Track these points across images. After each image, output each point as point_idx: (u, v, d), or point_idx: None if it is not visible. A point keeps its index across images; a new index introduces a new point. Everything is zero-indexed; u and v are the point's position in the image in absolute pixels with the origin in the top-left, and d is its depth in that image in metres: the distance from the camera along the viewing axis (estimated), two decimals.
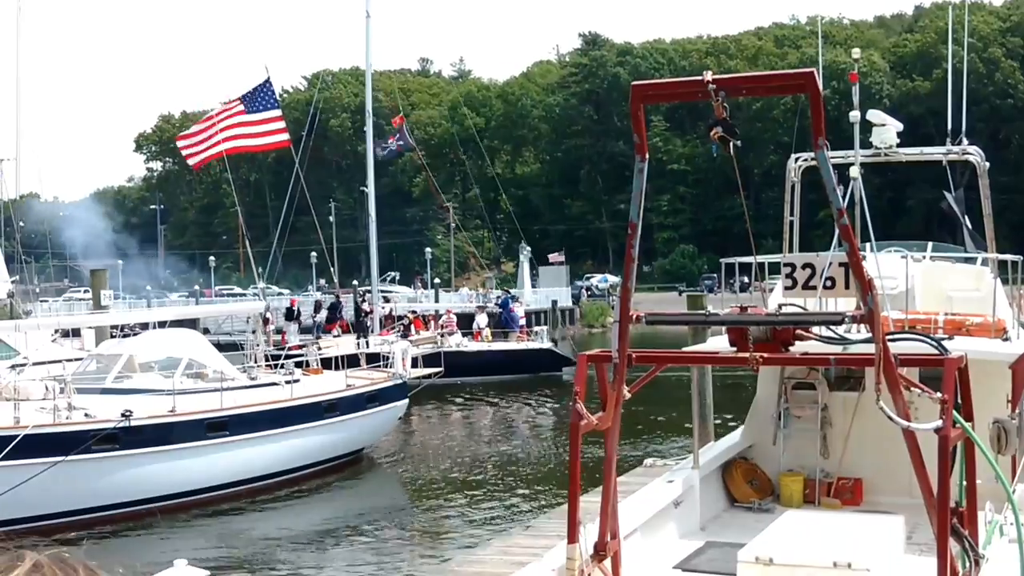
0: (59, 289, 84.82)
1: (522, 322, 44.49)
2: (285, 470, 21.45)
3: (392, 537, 18.00)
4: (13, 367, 21.19)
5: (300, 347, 30.89)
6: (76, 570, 0.96)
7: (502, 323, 43.21)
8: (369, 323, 38.98)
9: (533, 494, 20.79)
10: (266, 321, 35.73)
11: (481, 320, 40.63)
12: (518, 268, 77.49)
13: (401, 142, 43.41)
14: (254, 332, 26.13)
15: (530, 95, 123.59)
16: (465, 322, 42.89)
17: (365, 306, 39.75)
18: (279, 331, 41.77)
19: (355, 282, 69.36)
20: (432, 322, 41.89)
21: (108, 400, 18.84)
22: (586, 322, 70.03)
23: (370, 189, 36.84)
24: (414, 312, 43.51)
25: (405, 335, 36.88)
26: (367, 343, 34.23)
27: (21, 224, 25.66)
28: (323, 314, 43.35)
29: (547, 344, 41.72)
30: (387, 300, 42.98)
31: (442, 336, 37.11)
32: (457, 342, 36.22)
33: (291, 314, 42.43)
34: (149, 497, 18.70)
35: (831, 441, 11.70)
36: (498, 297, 48.63)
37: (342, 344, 33.71)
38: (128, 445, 18.43)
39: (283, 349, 27.05)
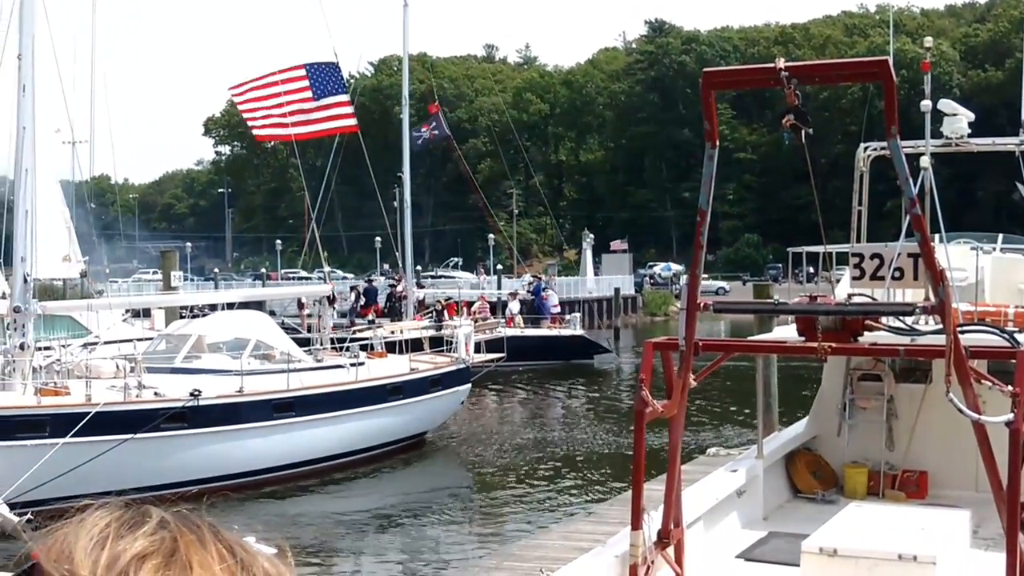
0: (128, 270, 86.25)
1: (555, 310, 44.64)
2: (349, 452, 21.68)
3: (454, 520, 18.15)
4: (85, 345, 21.64)
5: (364, 330, 31.14)
6: (200, 527, 1.02)
7: (535, 310, 43.39)
8: (403, 309, 39.09)
9: (595, 480, 20.83)
10: (332, 301, 36.04)
11: (514, 307, 40.66)
12: (580, 255, 77.36)
13: (436, 131, 43.26)
14: (320, 316, 26.37)
15: (595, 82, 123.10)
16: (498, 309, 42.97)
17: (399, 290, 39.86)
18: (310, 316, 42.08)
19: (387, 266, 69.73)
20: (465, 308, 42.00)
21: (177, 379, 19.17)
22: (648, 311, 69.72)
23: (406, 175, 36.83)
24: (449, 298, 43.60)
25: (438, 320, 37.06)
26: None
27: (93, 206, 26.14)
28: (358, 299, 43.61)
29: (579, 331, 42.06)
30: (420, 286, 42.96)
31: (476, 323, 37.14)
32: (491, 328, 36.21)
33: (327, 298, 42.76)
34: (216, 476, 19.00)
35: (896, 433, 11.59)
36: (530, 283, 48.57)
37: (407, 328, 33.95)
38: (196, 424, 18.74)
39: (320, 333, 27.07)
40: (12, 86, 19.57)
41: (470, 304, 42.52)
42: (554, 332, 39.35)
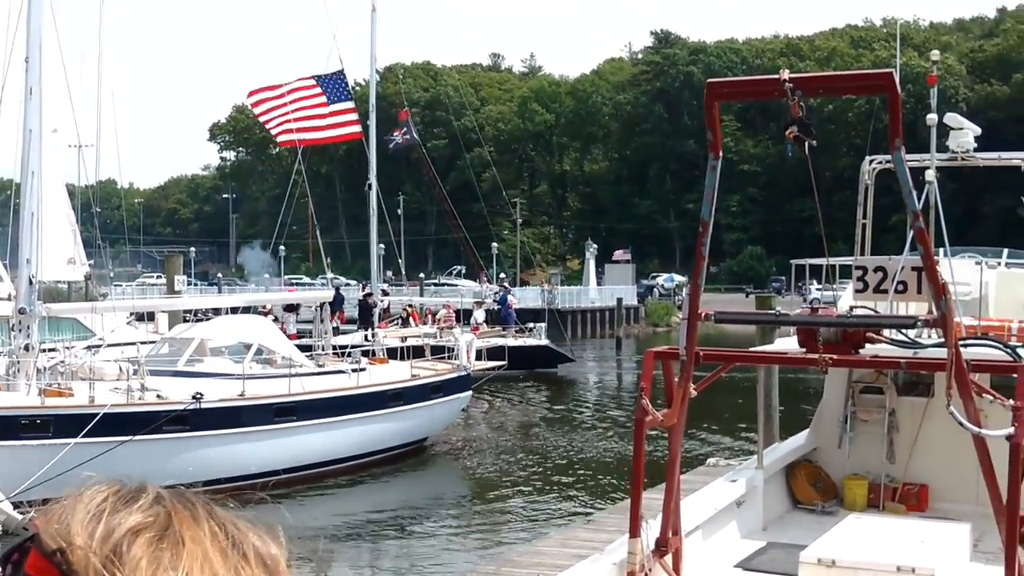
0: (132, 274, 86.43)
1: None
2: (349, 457, 21.71)
3: (452, 527, 18.17)
4: (89, 348, 21.70)
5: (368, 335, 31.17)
6: (194, 505, 1.05)
7: (500, 319, 43.57)
8: (371, 317, 39.11)
9: (594, 488, 20.84)
10: (295, 308, 36.16)
11: (479, 315, 40.78)
12: (584, 265, 77.44)
13: (408, 135, 43.55)
14: (321, 321, 26.42)
15: (600, 92, 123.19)
16: (463, 317, 43.09)
17: (372, 299, 39.91)
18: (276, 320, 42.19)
19: (390, 273, 69.56)
20: (430, 316, 42.02)
21: (180, 382, 19.23)
22: (651, 321, 69.72)
23: (373, 183, 36.89)
24: (411, 306, 43.63)
25: (403, 327, 37.10)
26: (373, 335, 34.40)
27: (98, 210, 26.22)
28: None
29: (544, 341, 42.53)
30: (385, 294, 42.94)
31: (441, 331, 37.10)
32: (457, 337, 36.26)
33: (290, 306, 42.74)
34: (216, 478, 19.02)
35: (897, 446, 11.60)
36: (496, 292, 48.72)
37: (409, 334, 33.98)
38: (198, 427, 18.79)
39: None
40: (19, 89, 19.64)
41: (434, 312, 42.60)
42: (520, 342, 39.51)
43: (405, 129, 43.69)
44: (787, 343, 10.06)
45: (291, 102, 30.12)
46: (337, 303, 43.00)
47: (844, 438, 11.78)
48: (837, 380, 11.82)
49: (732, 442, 24.29)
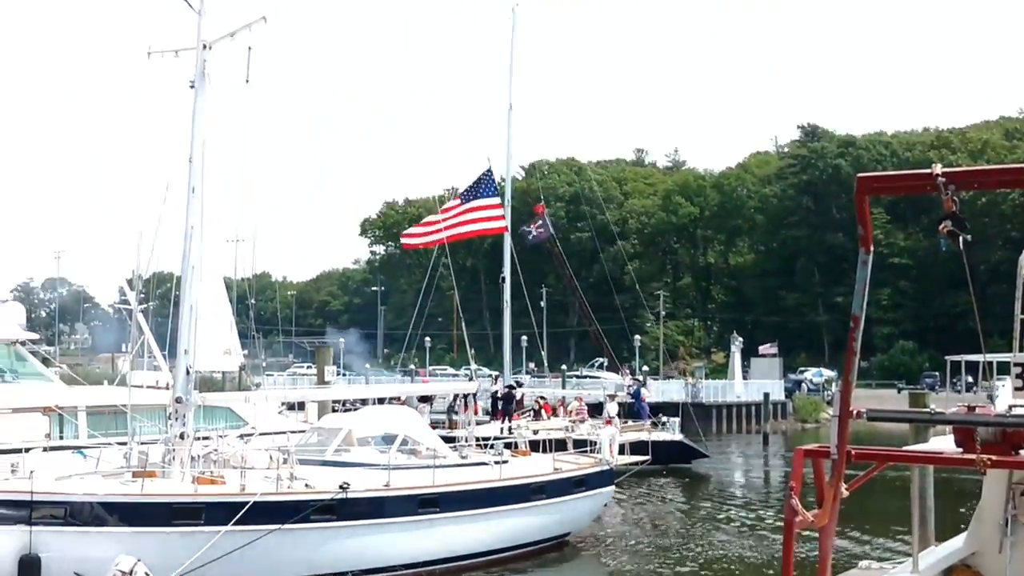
0: (283, 364, 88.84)
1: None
2: (491, 551, 21.63)
3: None
4: (242, 436, 22.31)
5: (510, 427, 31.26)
6: None
7: (633, 412, 43.00)
8: (502, 406, 39.04)
9: None
10: (428, 400, 36.47)
11: (611, 408, 40.40)
12: (729, 358, 76.25)
13: (543, 229, 44.16)
14: (455, 412, 26.58)
15: (746, 185, 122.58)
16: (596, 410, 42.66)
17: (514, 392, 39.89)
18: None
19: (532, 365, 69.44)
20: (561, 408, 41.74)
21: (327, 472, 19.57)
22: (799, 416, 68.05)
23: (507, 277, 37.22)
24: (543, 398, 43.42)
25: (535, 420, 36.93)
26: (509, 428, 34.37)
27: (253, 302, 27.16)
28: (455, 399, 43.93)
29: (678, 436, 42.06)
30: (519, 384, 42.87)
31: (573, 424, 36.75)
32: (588, 430, 35.80)
33: (425, 397, 43.08)
34: (361, 569, 19.20)
35: None
36: (630, 386, 48.12)
37: (553, 427, 33.93)
38: (344, 516, 19.03)
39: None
40: (182, 187, 20.62)
41: (566, 405, 42.41)
42: (654, 436, 39.02)
43: (541, 222, 44.49)
44: (942, 442, 9.71)
45: (443, 220, 31.50)
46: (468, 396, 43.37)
47: (1005, 542, 11.23)
48: (996, 481, 11.31)
49: (885, 544, 23.36)
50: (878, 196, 6.97)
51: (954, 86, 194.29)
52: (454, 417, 39.37)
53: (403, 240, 33.38)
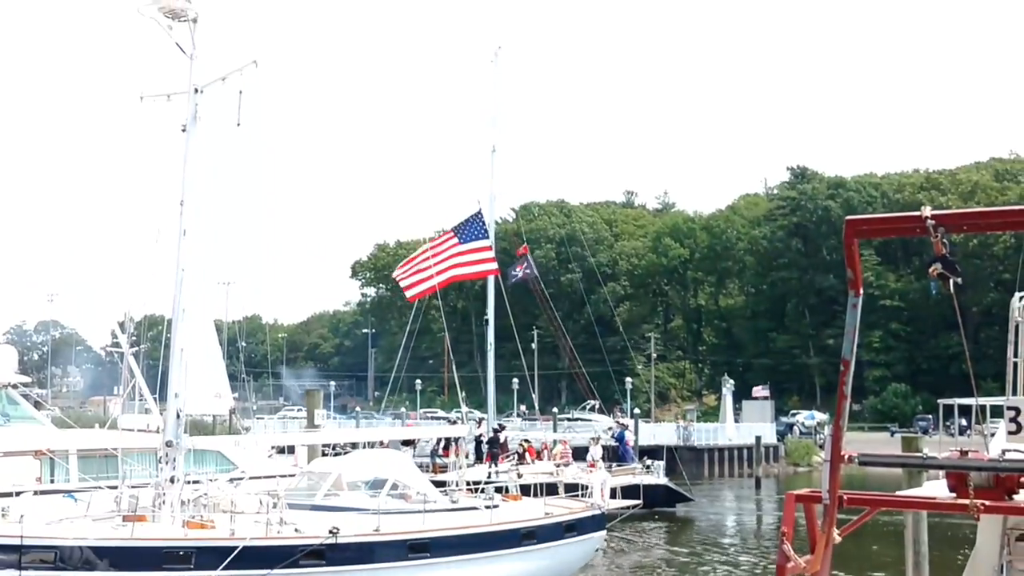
0: (274, 407, 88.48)
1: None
2: None
3: None
4: (231, 480, 22.15)
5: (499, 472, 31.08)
6: None
7: (617, 456, 42.88)
8: (486, 450, 38.93)
9: None
10: (412, 444, 36.22)
11: (595, 452, 40.28)
12: (720, 401, 76.22)
13: (528, 270, 44.50)
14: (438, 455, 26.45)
15: (735, 227, 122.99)
16: (580, 454, 42.58)
17: (495, 435, 39.83)
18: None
19: (523, 408, 69.19)
20: (546, 452, 41.63)
21: (317, 516, 19.41)
22: (791, 460, 67.87)
23: (491, 319, 37.39)
24: (527, 441, 43.32)
25: (519, 463, 36.81)
26: (495, 471, 34.25)
27: (243, 344, 27.09)
28: (438, 442, 43.93)
29: (663, 479, 41.89)
30: (501, 428, 42.83)
31: (558, 467, 36.65)
32: (573, 474, 35.75)
33: (407, 440, 42.93)
34: None
35: None
36: (610, 429, 48.08)
37: (539, 471, 33.76)
38: (333, 562, 18.85)
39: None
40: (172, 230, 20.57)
41: (550, 448, 42.30)
42: (638, 480, 38.83)
43: (525, 264, 44.75)
44: (936, 486, 9.67)
45: (432, 255, 31.46)
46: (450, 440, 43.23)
47: None
48: (990, 527, 11.25)
49: None
50: (868, 239, 6.97)
51: (944, 127, 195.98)
52: (437, 461, 39.26)
53: (407, 293, 33.37)
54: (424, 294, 32.45)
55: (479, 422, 42.73)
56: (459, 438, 32.50)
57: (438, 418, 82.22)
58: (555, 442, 43.73)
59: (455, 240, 31.69)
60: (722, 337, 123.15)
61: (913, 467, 13.31)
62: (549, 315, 54.72)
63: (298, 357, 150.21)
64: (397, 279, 34.14)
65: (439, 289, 31.04)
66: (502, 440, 40.67)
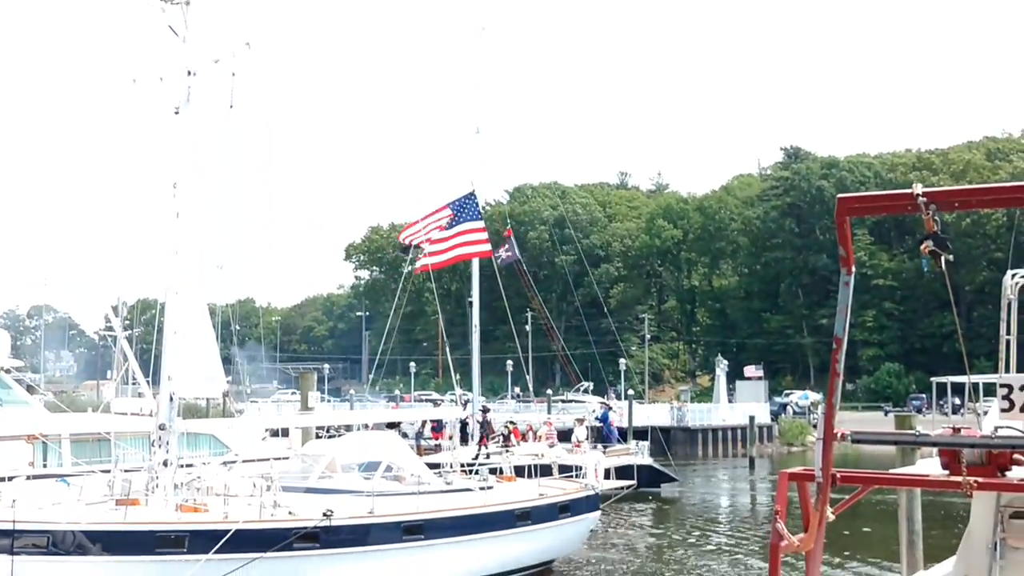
0: (268, 390, 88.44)
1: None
2: None
3: None
4: (225, 463, 22.14)
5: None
6: None
7: (602, 436, 42.91)
8: (472, 432, 38.97)
9: None
10: (396, 426, 36.33)
11: (580, 433, 40.40)
12: (714, 381, 76.32)
13: (510, 252, 44.52)
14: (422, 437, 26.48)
15: (729, 208, 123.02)
16: (565, 436, 42.66)
17: (484, 416, 39.89)
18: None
19: (517, 390, 69.23)
20: (531, 434, 41.69)
21: (311, 499, 19.40)
22: (785, 440, 68.02)
23: (475, 301, 37.42)
24: (512, 423, 43.37)
25: (505, 446, 36.86)
26: (487, 454, 34.30)
27: (237, 327, 26.99)
28: (423, 424, 44.08)
29: (647, 460, 41.84)
30: (486, 410, 42.93)
31: (551, 447, 36.67)
32: (557, 454, 35.75)
33: (391, 423, 43.10)
34: None
35: None
36: (594, 411, 48.16)
37: (527, 452, 33.81)
38: (328, 544, 18.86)
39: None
40: (165, 212, 20.50)
41: (535, 430, 42.38)
42: (624, 460, 38.81)
43: (508, 246, 44.77)
44: (929, 464, 9.67)
45: (437, 229, 31.44)
46: (439, 422, 43.31)
47: (994, 566, 11.17)
48: (984, 504, 11.25)
49: (873, 569, 23.28)
50: (860, 217, 6.93)
51: (936, 107, 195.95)
52: (422, 443, 39.28)
53: (419, 263, 33.26)
54: (426, 269, 32.41)
55: (464, 404, 42.82)
56: (446, 423, 32.58)
57: (432, 400, 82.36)
58: (531, 424, 43.85)
59: (452, 219, 31.70)
60: (716, 318, 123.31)
61: (905, 444, 13.30)
62: (533, 296, 54.73)
63: (292, 340, 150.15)
64: (405, 240, 33.96)
65: (437, 269, 31.02)
66: (488, 421, 40.78)
